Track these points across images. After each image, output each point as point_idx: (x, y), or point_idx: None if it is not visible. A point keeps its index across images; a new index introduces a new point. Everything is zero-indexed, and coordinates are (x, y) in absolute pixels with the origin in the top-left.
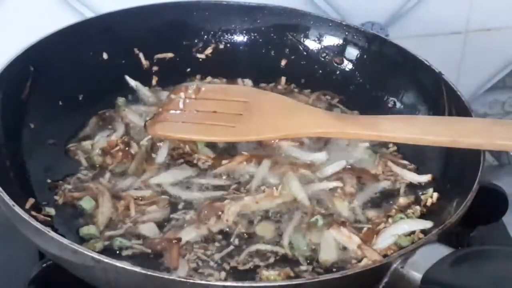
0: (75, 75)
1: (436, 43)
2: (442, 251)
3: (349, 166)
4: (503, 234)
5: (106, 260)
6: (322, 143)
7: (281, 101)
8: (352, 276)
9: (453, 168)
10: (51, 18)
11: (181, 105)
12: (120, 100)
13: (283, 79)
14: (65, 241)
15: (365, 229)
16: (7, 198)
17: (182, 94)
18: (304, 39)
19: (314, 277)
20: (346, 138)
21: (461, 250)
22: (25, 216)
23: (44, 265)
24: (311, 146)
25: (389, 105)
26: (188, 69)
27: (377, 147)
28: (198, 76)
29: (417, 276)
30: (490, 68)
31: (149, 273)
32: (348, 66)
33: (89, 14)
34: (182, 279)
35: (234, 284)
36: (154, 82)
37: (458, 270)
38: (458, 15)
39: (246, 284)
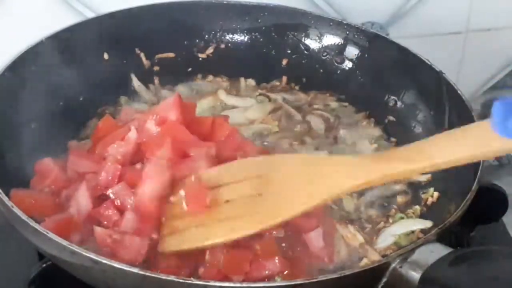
0: (76, 76)
1: (436, 43)
2: (440, 251)
3: None
4: (503, 234)
5: (104, 261)
6: (331, 139)
7: (300, 163)
8: (351, 276)
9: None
10: (50, 18)
11: (185, 207)
12: (123, 99)
13: (284, 78)
14: (63, 242)
15: (367, 228)
16: (6, 199)
17: (181, 193)
18: (305, 39)
19: (313, 277)
20: (391, 181)
21: (459, 250)
22: (24, 217)
23: (44, 265)
24: (314, 144)
25: (390, 104)
26: (189, 69)
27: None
28: (199, 76)
29: (415, 275)
30: (490, 68)
31: (147, 273)
32: (348, 65)
33: (90, 14)
34: (180, 280)
35: (232, 284)
36: (155, 82)
37: (457, 270)
38: (458, 15)
39: (244, 284)
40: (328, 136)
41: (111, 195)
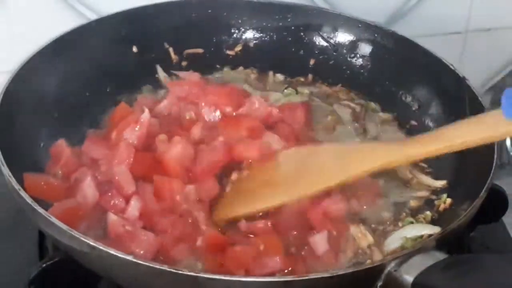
0: (104, 67)
1: (436, 43)
2: (436, 256)
3: None
4: (503, 234)
5: (100, 247)
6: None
7: (335, 149)
8: (343, 277)
9: (466, 174)
10: (50, 19)
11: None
12: (145, 88)
13: (310, 76)
14: (63, 226)
15: (378, 231)
16: (14, 182)
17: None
18: (333, 40)
19: (303, 275)
20: (411, 162)
21: (454, 256)
22: (29, 200)
23: (44, 265)
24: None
25: (413, 108)
26: (218, 66)
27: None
28: (227, 68)
29: (409, 279)
30: (490, 68)
31: (140, 262)
32: (375, 67)
33: (91, 15)
34: (172, 270)
35: (223, 277)
36: None
37: (449, 275)
38: (458, 15)
39: (234, 278)
40: (356, 128)
41: None
